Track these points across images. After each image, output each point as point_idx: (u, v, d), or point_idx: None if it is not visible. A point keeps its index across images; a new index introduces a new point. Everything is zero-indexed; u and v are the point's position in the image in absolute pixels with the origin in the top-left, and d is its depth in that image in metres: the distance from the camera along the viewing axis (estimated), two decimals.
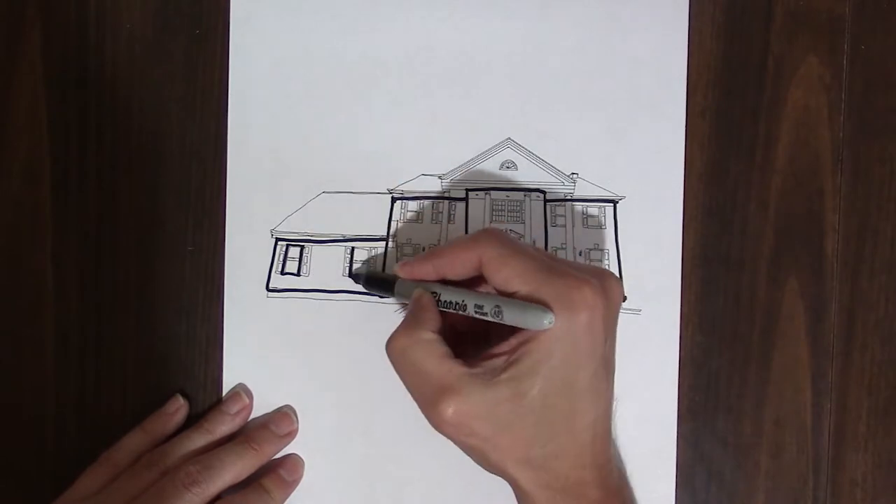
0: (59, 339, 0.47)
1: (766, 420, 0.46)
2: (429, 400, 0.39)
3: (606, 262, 0.47)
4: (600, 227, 0.47)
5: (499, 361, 0.39)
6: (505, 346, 0.39)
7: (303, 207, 0.47)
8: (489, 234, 0.41)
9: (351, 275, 0.47)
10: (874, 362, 0.47)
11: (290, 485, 0.45)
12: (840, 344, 0.46)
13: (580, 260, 0.47)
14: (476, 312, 0.40)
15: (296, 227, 0.47)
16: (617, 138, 0.47)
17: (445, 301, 0.41)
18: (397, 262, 0.44)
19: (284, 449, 0.46)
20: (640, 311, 0.46)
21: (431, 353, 0.39)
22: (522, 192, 0.47)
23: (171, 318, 0.47)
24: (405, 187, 0.47)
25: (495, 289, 0.40)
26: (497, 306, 0.39)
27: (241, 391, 0.46)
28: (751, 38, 0.47)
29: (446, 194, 0.47)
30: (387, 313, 0.47)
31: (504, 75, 0.47)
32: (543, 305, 0.38)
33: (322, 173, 0.47)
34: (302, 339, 0.47)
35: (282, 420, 0.46)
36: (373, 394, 0.46)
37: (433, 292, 0.42)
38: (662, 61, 0.47)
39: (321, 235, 0.47)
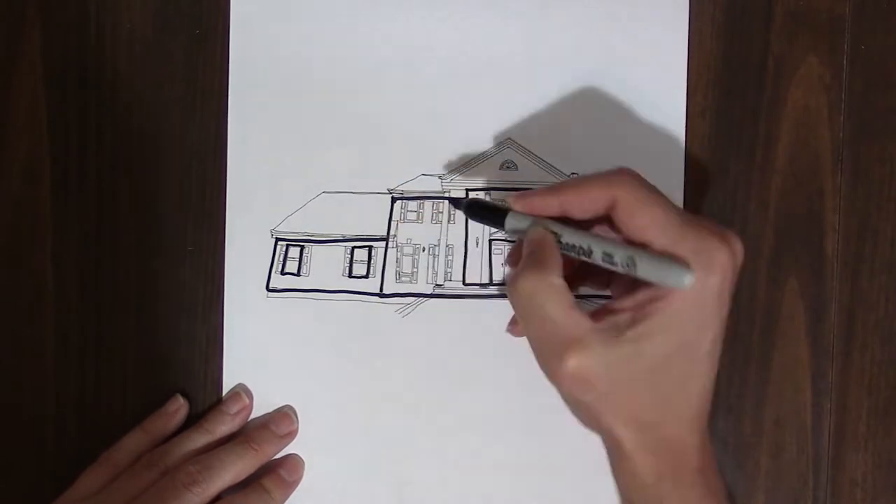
0: (59, 339, 0.47)
1: (766, 420, 0.46)
2: (552, 349, 0.37)
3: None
4: None
5: (624, 318, 0.37)
6: (629, 302, 0.37)
7: (303, 207, 0.47)
8: (628, 174, 0.38)
9: (450, 199, 0.45)
10: (874, 362, 0.47)
11: (290, 485, 0.45)
12: (840, 344, 0.46)
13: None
14: (604, 261, 0.37)
15: (296, 227, 0.47)
16: (617, 138, 0.47)
17: (567, 243, 0.38)
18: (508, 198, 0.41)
19: (285, 449, 0.46)
20: None
21: (560, 302, 0.37)
22: None
23: (171, 318, 0.47)
24: (405, 187, 0.47)
25: (625, 236, 0.38)
26: (630, 257, 0.36)
27: (241, 391, 0.46)
28: (751, 38, 0.47)
29: (446, 194, 0.47)
30: (387, 313, 0.47)
31: (504, 75, 0.47)
32: (682, 262, 0.35)
33: (322, 173, 0.47)
34: (302, 339, 0.47)
35: (282, 420, 0.46)
36: (373, 394, 0.46)
37: (553, 232, 0.38)
38: (662, 61, 0.47)
39: (321, 235, 0.47)
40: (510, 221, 0.41)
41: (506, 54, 0.47)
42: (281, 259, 0.47)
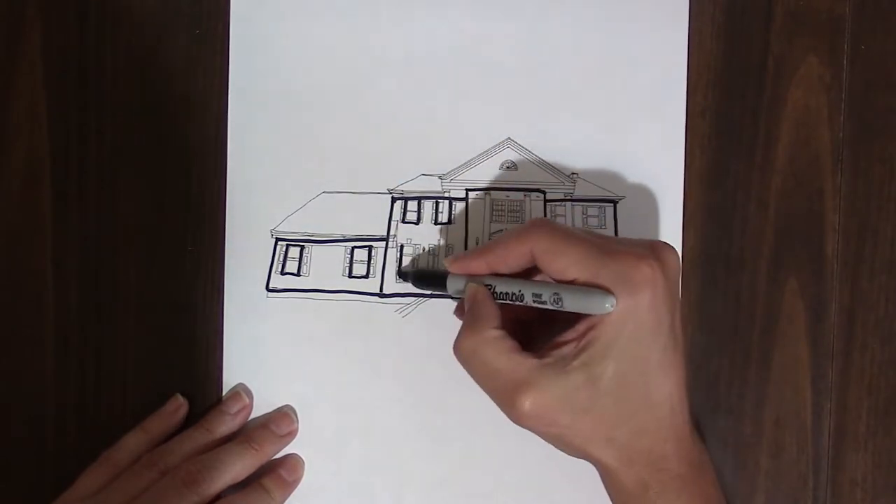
0: (59, 339, 0.47)
1: (766, 420, 0.46)
2: (505, 396, 0.39)
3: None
4: (600, 227, 0.47)
5: (568, 349, 0.39)
6: (572, 333, 0.39)
7: (303, 207, 0.47)
8: (539, 226, 0.40)
9: (399, 273, 0.47)
10: (874, 362, 0.47)
11: (290, 484, 0.45)
12: (840, 344, 0.46)
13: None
14: (535, 302, 0.39)
15: (296, 227, 0.47)
16: (617, 138, 0.47)
17: (502, 293, 0.41)
18: (446, 256, 0.44)
19: (285, 449, 0.46)
20: None
21: (500, 350, 0.39)
22: (522, 192, 0.47)
23: (171, 318, 0.47)
24: (405, 187, 0.47)
25: (552, 278, 0.40)
26: (556, 294, 0.39)
27: (241, 391, 0.46)
28: (751, 38, 0.47)
29: (446, 194, 0.47)
30: (387, 313, 0.47)
31: (504, 75, 0.47)
32: (603, 289, 0.38)
33: (322, 173, 0.47)
34: (302, 339, 0.47)
35: (282, 420, 0.46)
36: (372, 394, 0.46)
37: (487, 284, 0.41)
38: (662, 61, 0.47)
39: (321, 235, 0.47)
40: (451, 284, 0.43)
41: (506, 54, 0.47)
42: (281, 259, 0.47)
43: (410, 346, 0.47)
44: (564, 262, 0.39)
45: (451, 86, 0.47)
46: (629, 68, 0.47)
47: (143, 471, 0.43)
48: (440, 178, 0.47)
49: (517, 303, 0.40)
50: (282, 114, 0.47)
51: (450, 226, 0.47)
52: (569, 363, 0.38)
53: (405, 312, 0.47)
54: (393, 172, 0.47)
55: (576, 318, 0.39)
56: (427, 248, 0.47)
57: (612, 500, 0.42)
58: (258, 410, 0.46)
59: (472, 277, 0.42)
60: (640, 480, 0.39)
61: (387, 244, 0.47)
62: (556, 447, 0.41)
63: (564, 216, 0.47)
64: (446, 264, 0.43)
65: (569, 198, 0.47)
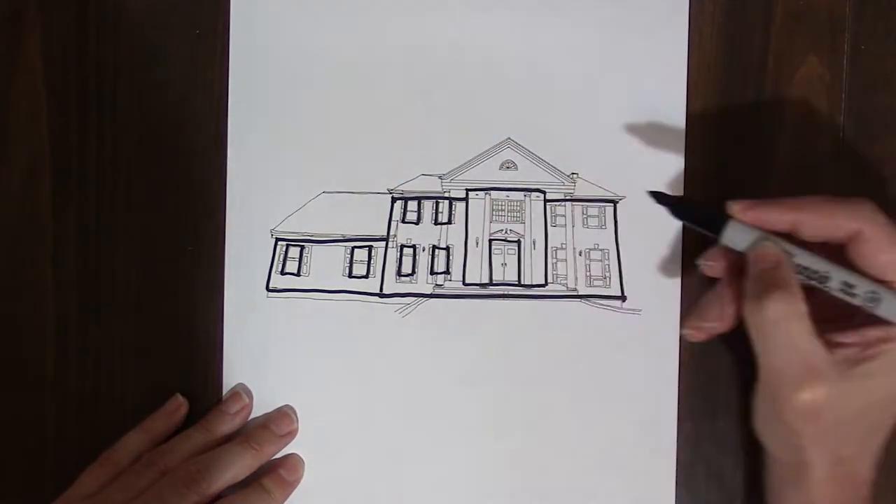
0: (59, 339, 0.47)
1: None
2: (789, 378, 0.36)
3: (606, 261, 0.47)
4: (600, 227, 0.47)
5: (851, 352, 0.37)
6: (857, 337, 0.37)
7: (303, 207, 0.47)
8: (872, 208, 0.37)
9: (653, 193, 0.41)
10: None
11: (290, 484, 0.45)
12: None
13: (580, 260, 0.47)
14: (842, 291, 0.36)
15: (296, 227, 0.47)
16: (617, 138, 0.47)
17: (800, 265, 0.36)
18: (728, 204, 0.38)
19: (284, 448, 0.46)
20: (640, 311, 0.46)
21: (807, 330, 0.36)
22: (522, 192, 0.47)
23: (171, 318, 0.47)
24: (405, 187, 0.47)
25: (863, 270, 0.37)
26: (874, 293, 0.35)
27: (240, 391, 0.46)
28: (751, 38, 0.47)
29: (446, 194, 0.47)
30: (387, 313, 0.47)
31: (504, 75, 0.47)
32: None
33: (322, 173, 0.47)
34: (302, 339, 0.47)
35: (282, 420, 0.46)
36: (372, 393, 0.46)
37: (787, 251, 0.37)
38: (662, 61, 0.47)
39: (321, 235, 0.47)
40: (730, 232, 0.38)
41: (506, 54, 0.47)
42: (281, 259, 0.47)
43: (410, 346, 0.47)
44: (890, 259, 0.36)
45: (451, 86, 0.47)
46: (629, 68, 0.47)
47: (143, 470, 0.43)
48: (440, 178, 0.47)
49: (812, 282, 0.37)
50: (282, 114, 0.47)
51: (450, 226, 0.47)
52: (851, 367, 0.36)
53: (405, 312, 0.47)
54: (393, 172, 0.47)
55: (864, 321, 0.37)
56: (427, 248, 0.47)
57: (782, 501, 0.40)
58: (258, 410, 0.46)
59: (766, 235, 0.38)
60: (833, 500, 0.38)
61: (387, 244, 0.47)
62: (769, 433, 0.40)
63: (564, 216, 0.47)
64: (736, 208, 0.38)
65: (569, 198, 0.47)
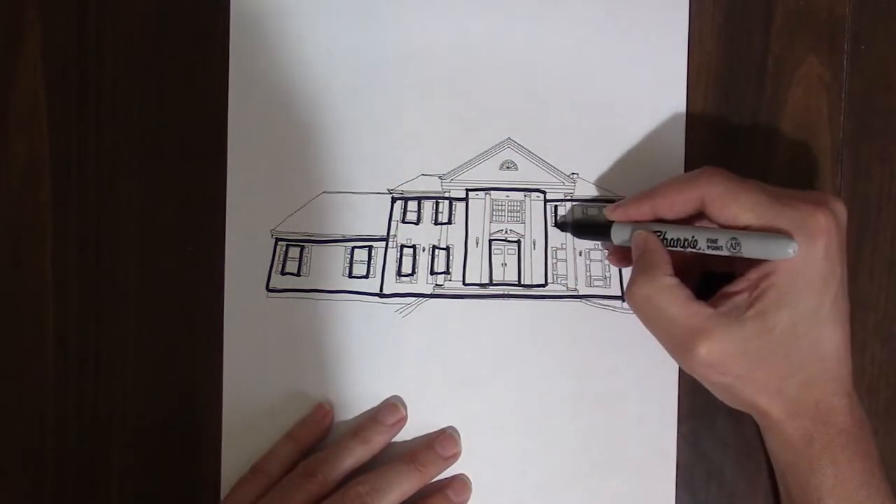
0: (59, 339, 0.47)
1: None
2: (679, 344, 0.40)
3: (606, 262, 0.47)
4: None
5: (741, 298, 0.39)
6: (743, 283, 0.39)
7: (303, 207, 0.47)
8: (710, 172, 0.41)
9: (556, 223, 0.47)
10: (874, 362, 0.47)
11: None
12: None
13: (580, 260, 0.47)
14: (709, 247, 0.39)
15: (296, 227, 0.47)
16: (617, 138, 0.47)
17: (672, 239, 0.41)
18: (604, 209, 0.44)
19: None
20: None
21: (676, 298, 0.39)
22: (522, 192, 0.47)
23: (171, 318, 0.47)
24: (405, 187, 0.47)
25: (721, 225, 0.40)
26: (734, 239, 0.39)
27: (396, 402, 0.46)
28: (751, 38, 0.47)
29: (446, 194, 0.47)
30: (387, 313, 0.47)
31: (504, 75, 0.47)
32: (784, 234, 0.38)
33: (322, 173, 0.47)
34: (302, 339, 0.47)
35: (447, 442, 0.45)
36: (372, 393, 0.46)
37: (656, 231, 0.41)
38: (662, 61, 0.47)
39: (321, 235, 0.47)
40: (616, 233, 0.43)
41: (506, 54, 0.47)
42: (281, 259, 0.47)
43: (410, 346, 0.47)
44: (738, 208, 0.39)
45: (451, 86, 0.47)
46: (629, 68, 0.47)
47: (302, 481, 0.43)
48: (440, 178, 0.47)
49: (688, 249, 0.40)
50: (282, 114, 0.47)
51: (450, 226, 0.47)
52: (743, 312, 0.39)
53: (405, 312, 0.47)
54: (393, 172, 0.47)
55: (744, 269, 0.39)
56: (427, 248, 0.47)
57: (772, 454, 0.42)
58: (258, 410, 0.46)
59: (636, 224, 0.42)
60: (806, 433, 0.40)
61: (387, 244, 0.47)
62: (721, 398, 0.42)
63: (564, 216, 0.47)
64: (607, 213, 0.43)
65: (569, 198, 0.47)
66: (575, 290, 0.47)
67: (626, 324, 0.46)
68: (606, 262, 0.47)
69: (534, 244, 0.47)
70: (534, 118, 0.47)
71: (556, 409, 0.46)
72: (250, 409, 0.46)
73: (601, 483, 0.46)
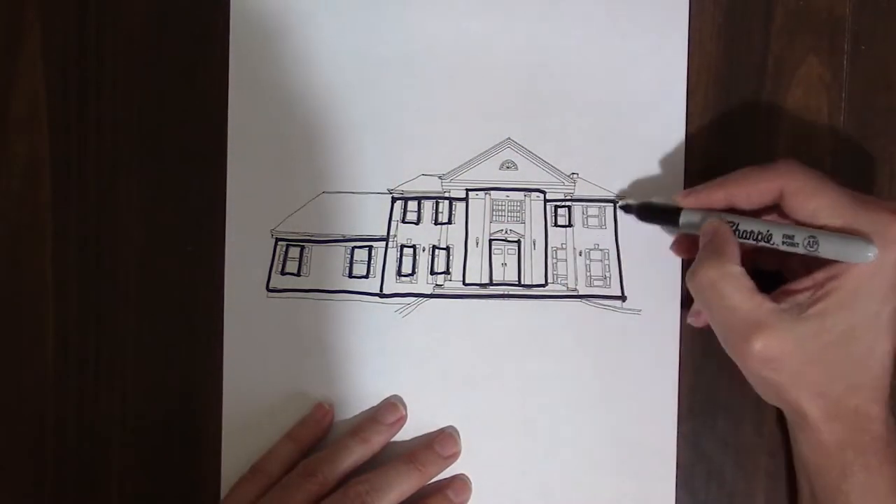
0: (59, 339, 0.47)
1: (766, 420, 0.46)
2: (738, 334, 0.39)
3: (606, 262, 0.47)
4: (600, 227, 0.47)
5: (804, 296, 0.39)
6: (808, 281, 0.39)
7: (303, 207, 0.47)
8: (792, 164, 0.40)
9: (622, 206, 0.46)
10: None
11: None
12: None
13: (580, 260, 0.47)
14: (784, 244, 0.39)
15: (296, 227, 0.47)
16: (617, 138, 0.47)
17: (745, 231, 0.40)
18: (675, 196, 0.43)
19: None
20: (640, 311, 0.46)
21: (740, 287, 0.39)
22: (522, 192, 0.47)
23: (171, 318, 0.47)
24: (405, 187, 0.47)
25: (796, 221, 0.40)
26: (812, 237, 0.38)
27: (396, 401, 0.46)
28: (751, 38, 0.47)
29: (446, 194, 0.47)
30: (387, 313, 0.47)
31: (504, 75, 0.47)
32: (863, 237, 0.38)
33: (322, 173, 0.47)
34: (302, 339, 0.47)
35: (446, 441, 0.45)
36: (372, 393, 0.46)
37: (729, 222, 0.41)
38: (662, 61, 0.47)
39: (321, 235, 0.47)
40: (685, 218, 0.42)
41: (506, 54, 0.47)
42: (281, 259, 0.47)
43: (410, 346, 0.47)
44: (818, 205, 0.39)
45: (451, 86, 0.47)
46: (629, 68, 0.47)
47: (301, 481, 0.43)
48: (440, 178, 0.47)
49: (760, 243, 0.40)
50: (282, 114, 0.47)
51: (450, 226, 0.47)
52: (804, 310, 0.39)
53: (405, 312, 0.47)
54: (393, 172, 0.47)
55: (807, 265, 0.39)
56: (427, 248, 0.47)
57: (800, 455, 0.42)
58: (258, 410, 0.46)
59: (709, 212, 0.42)
60: (841, 439, 0.40)
61: (387, 244, 0.47)
62: (760, 392, 0.42)
63: (564, 216, 0.47)
64: (678, 199, 0.43)
65: (569, 198, 0.47)
66: (575, 290, 0.47)
67: (626, 324, 0.46)
68: (606, 262, 0.47)
69: (534, 244, 0.47)
70: (534, 118, 0.47)
71: (555, 409, 0.46)
72: (250, 409, 0.46)
73: (601, 483, 0.46)
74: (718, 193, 0.42)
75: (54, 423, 0.47)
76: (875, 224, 0.38)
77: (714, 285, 0.39)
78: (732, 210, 0.42)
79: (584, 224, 0.47)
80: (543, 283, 0.47)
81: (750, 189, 0.41)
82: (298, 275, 0.47)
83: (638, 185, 0.47)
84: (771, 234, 0.40)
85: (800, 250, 0.39)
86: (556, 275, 0.47)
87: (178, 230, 0.47)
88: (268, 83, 0.47)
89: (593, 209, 0.47)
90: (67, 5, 0.47)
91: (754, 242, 0.40)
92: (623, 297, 0.47)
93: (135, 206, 0.47)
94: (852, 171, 0.47)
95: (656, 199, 0.46)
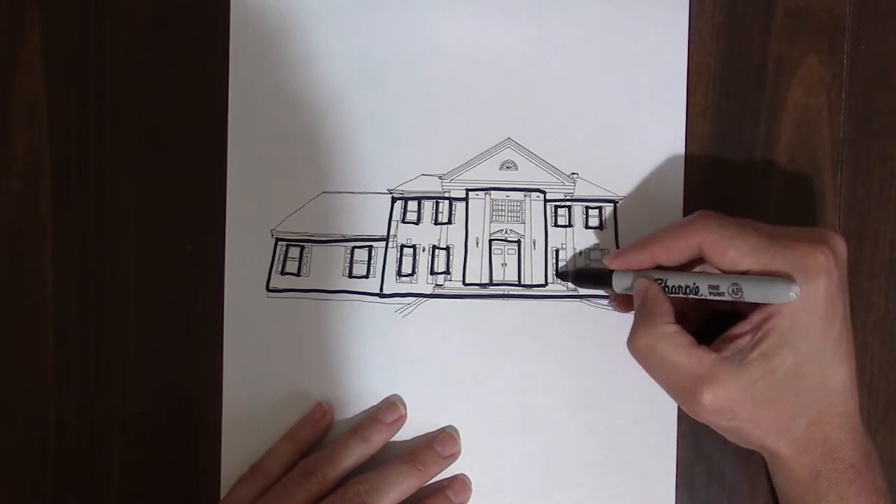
0: (59, 339, 0.47)
1: None
2: (684, 391, 0.40)
3: (605, 261, 0.47)
4: (600, 227, 0.47)
5: (744, 341, 0.39)
6: (746, 325, 0.39)
7: (303, 207, 0.47)
8: (706, 217, 0.41)
9: (557, 273, 0.47)
10: (874, 362, 0.47)
11: None
12: None
13: (580, 260, 0.47)
14: (711, 294, 0.40)
15: (296, 227, 0.47)
16: (617, 138, 0.47)
17: (674, 286, 0.41)
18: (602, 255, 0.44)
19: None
20: None
21: (678, 345, 0.39)
22: (522, 192, 0.47)
23: (171, 318, 0.47)
24: (405, 187, 0.47)
25: (720, 270, 0.40)
26: (735, 284, 0.39)
27: (396, 401, 0.46)
28: (751, 38, 0.47)
29: (446, 194, 0.47)
30: (387, 313, 0.47)
31: (504, 75, 0.47)
32: (784, 277, 0.38)
33: (322, 173, 0.47)
34: (302, 339, 0.47)
35: (446, 441, 0.45)
36: (372, 393, 0.46)
37: (657, 279, 0.41)
38: (662, 61, 0.47)
39: (321, 235, 0.47)
40: (617, 281, 0.43)
41: (506, 54, 0.47)
42: (281, 259, 0.47)
43: (410, 346, 0.47)
44: (736, 253, 0.39)
45: (451, 86, 0.47)
46: (629, 68, 0.47)
47: (301, 481, 0.43)
48: (440, 178, 0.47)
49: (690, 296, 0.40)
50: (282, 114, 0.47)
51: (450, 226, 0.47)
52: (746, 355, 0.39)
53: (405, 312, 0.47)
54: (393, 172, 0.47)
55: (747, 309, 0.40)
56: (427, 248, 0.47)
57: (779, 489, 0.42)
58: (257, 410, 0.46)
59: (637, 272, 0.42)
60: (813, 470, 0.40)
61: (387, 244, 0.47)
62: (730, 439, 0.42)
63: (564, 216, 0.47)
64: (606, 262, 0.43)
65: (569, 198, 0.47)
66: (575, 290, 0.47)
67: (626, 324, 0.46)
68: (605, 260, 0.47)
69: (534, 244, 0.47)
70: (534, 118, 0.47)
71: (556, 409, 0.46)
72: (250, 409, 0.46)
73: (601, 483, 0.46)
74: (642, 255, 0.42)
75: (54, 423, 0.47)
76: (794, 260, 0.38)
77: (652, 348, 0.40)
78: (661, 267, 0.42)
79: (584, 224, 0.47)
80: (543, 283, 0.47)
81: (670, 248, 0.41)
82: (298, 275, 0.47)
83: (638, 185, 0.47)
84: (698, 287, 0.40)
85: (727, 298, 0.39)
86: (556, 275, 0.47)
87: (178, 230, 0.47)
88: (268, 83, 0.47)
89: (593, 209, 0.47)
90: (67, 5, 0.47)
91: (684, 296, 0.41)
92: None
93: (135, 205, 0.47)
94: (852, 171, 0.47)
95: (592, 256, 0.47)
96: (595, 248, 0.47)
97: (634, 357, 0.41)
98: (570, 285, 0.47)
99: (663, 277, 0.41)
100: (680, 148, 0.47)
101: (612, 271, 0.43)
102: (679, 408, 0.46)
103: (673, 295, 0.41)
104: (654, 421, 0.46)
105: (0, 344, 0.47)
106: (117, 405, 0.47)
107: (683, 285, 0.40)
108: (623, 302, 0.45)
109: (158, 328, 0.47)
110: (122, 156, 0.47)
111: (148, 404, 0.46)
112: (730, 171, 0.47)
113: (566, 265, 0.47)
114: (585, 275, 0.46)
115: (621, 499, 0.46)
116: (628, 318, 0.46)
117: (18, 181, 0.47)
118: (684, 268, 0.42)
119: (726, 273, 0.40)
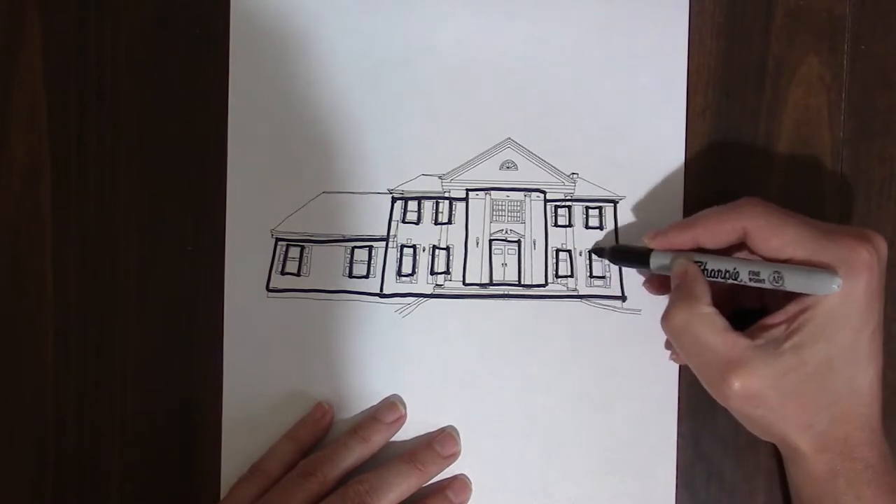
0: (59, 339, 0.47)
1: None
2: (715, 374, 0.39)
3: (606, 261, 0.47)
4: (600, 227, 0.47)
5: (779, 331, 0.39)
6: (782, 315, 0.39)
7: (303, 207, 0.47)
8: (753, 203, 0.41)
9: (593, 249, 0.47)
10: None
11: None
12: None
13: (580, 260, 0.47)
14: (751, 280, 0.40)
15: (296, 227, 0.47)
16: (617, 138, 0.47)
17: (713, 270, 0.41)
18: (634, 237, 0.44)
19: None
20: (640, 311, 0.46)
21: (713, 327, 0.39)
22: (522, 192, 0.47)
23: (171, 318, 0.47)
24: (405, 187, 0.47)
25: (763, 257, 0.40)
26: (776, 272, 0.39)
27: (396, 401, 0.46)
28: (751, 38, 0.47)
29: (446, 194, 0.47)
30: (387, 313, 0.47)
31: (504, 75, 0.47)
32: (827, 269, 0.38)
33: (322, 173, 0.47)
34: (302, 339, 0.47)
35: (446, 440, 0.45)
36: (372, 393, 0.46)
37: (697, 261, 0.41)
38: (662, 61, 0.47)
39: (321, 235, 0.47)
40: (654, 260, 0.43)
41: (506, 54, 0.47)
42: (281, 259, 0.47)
43: (410, 346, 0.47)
44: (781, 241, 0.39)
45: (451, 86, 0.47)
46: (629, 68, 0.47)
47: (301, 481, 0.43)
48: (440, 178, 0.47)
49: (728, 281, 0.40)
50: (282, 114, 0.47)
51: (450, 226, 0.47)
52: (780, 345, 0.39)
53: (405, 312, 0.47)
54: (393, 172, 0.47)
55: (784, 299, 0.39)
56: (427, 248, 0.47)
57: (794, 486, 0.42)
58: (257, 410, 0.46)
59: (678, 253, 0.42)
60: (832, 468, 0.40)
61: (387, 244, 0.47)
62: (750, 428, 0.42)
63: (564, 216, 0.47)
64: (646, 240, 0.43)
65: (569, 198, 0.47)
66: (575, 290, 0.47)
67: (626, 324, 0.46)
68: (606, 262, 0.47)
69: (534, 244, 0.47)
70: (534, 118, 0.47)
71: (556, 409, 0.46)
72: (250, 408, 0.46)
73: (601, 483, 0.46)
74: (684, 235, 0.42)
75: (54, 423, 0.47)
76: (839, 254, 0.38)
77: (687, 327, 0.40)
78: (701, 249, 0.42)
79: (584, 224, 0.47)
80: (543, 283, 0.47)
81: (714, 230, 0.41)
82: (298, 275, 0.47)
83: (638, 186, 0.47)
84: (738, 272, 0.40)
85: (766, 286, 0.39)
86: (557, 275, 0.47)
87: (178, 230, 0.47)
88: (268, 83, 0.47)
89: (593, 209, 0.47)
90: (67, 5, 0.47)
91: (723, 280, 0.40)
92: (623, 298, 0.47)
93: (135, 205, 0.47)
94: (852, 171, 0.47)
95: (628, 243, 0.46)
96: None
97: (668, 334, 0.41)
98: (570, 285, 0.47)
99: (703, 260, 0.41)
100: (680, 148, 0.47)
101: (651, 250, 0.43)
102: (679, 408, 0.46)
103: (711, 279, 0.41)
104: (654, 421, 0.46)
105: (0, 344, 0.47)
106: (117, 405, 0.47)
107: (723, 269, 0.40)
108: (658, 284, 0.45)
109: (158, 328, 0.47)
110: (122, 156, 0.47)
111: (148, 404, 0.46)
112: (730, 172, 0.47)
113: (602, 241, 0.47)
114: (622, 252, 0.45)
115: (621, 499, 0.46)
116: (628, 320, 0.46)
117: (18, 181, 0.47)
118: (723, 253, 0.42)
119: (767, 260, 0.40)
